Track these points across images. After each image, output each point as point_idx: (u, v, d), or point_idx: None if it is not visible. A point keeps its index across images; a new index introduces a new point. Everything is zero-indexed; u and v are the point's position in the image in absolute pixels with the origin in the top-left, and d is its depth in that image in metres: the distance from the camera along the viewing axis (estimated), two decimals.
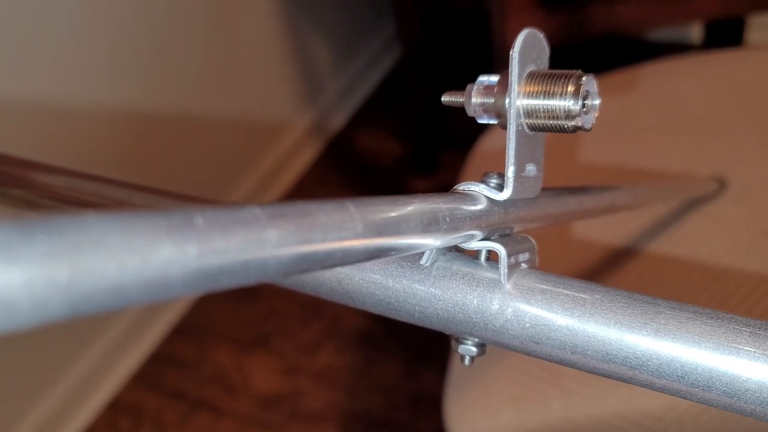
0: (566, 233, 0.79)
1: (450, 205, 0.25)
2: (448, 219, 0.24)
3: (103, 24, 1.26)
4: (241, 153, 1.68)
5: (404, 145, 1.85)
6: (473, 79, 0.29)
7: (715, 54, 1.06)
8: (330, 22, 1.87)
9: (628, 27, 1.02)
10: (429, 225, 0.23)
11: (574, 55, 0.89)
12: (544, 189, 0.33)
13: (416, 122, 1.72)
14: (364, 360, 1.45)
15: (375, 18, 1.95)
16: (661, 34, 1.60)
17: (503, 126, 0.28)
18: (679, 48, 1.60)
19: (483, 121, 0.29)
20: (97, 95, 1.28)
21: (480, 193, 0.27)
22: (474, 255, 0.29)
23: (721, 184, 0.79)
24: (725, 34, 1.18)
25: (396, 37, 1.89)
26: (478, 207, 0.26)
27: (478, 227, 0.26)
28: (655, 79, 1.01)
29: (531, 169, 0.28)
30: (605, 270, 0.76)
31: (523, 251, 0.29)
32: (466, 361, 0.29)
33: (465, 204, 0.26)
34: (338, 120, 1.94)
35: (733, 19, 1.14)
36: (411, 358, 1.42)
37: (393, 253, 0.22)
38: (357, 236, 0.20)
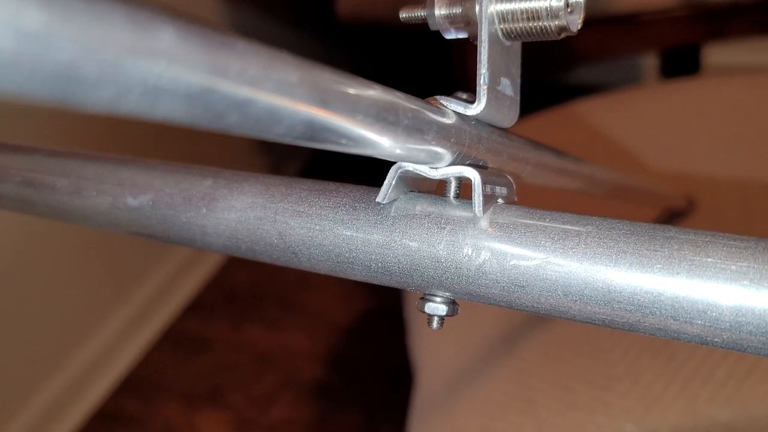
0: None
1: (414, 106, 0.20)
2: (410, 115, 0.19)
3: None
4: None
5: None
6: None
7: (672, 83, 1.04)
8: None
9: (586, 54, 1.00)
10: (386, 112, 0.18)
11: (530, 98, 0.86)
12: (521, 137, 0.28)
13: None
14: (321, 412, 1.37)
15: None
16: (616, 75, 1.61)
17: (474, 37, 0.23)
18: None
19: (450, 36, 0.24)
20: None
21: (447, 108, 0.23)
22: (441, 194, 0.24)
23: (691, 202, 0.76)
24: (682, 63, 1.17)
25: None
26: (446, 120, 0.22)
27: (447, 143, 0.21)
28: (615, 108, 0.99)
29: (506, 83, 0.24)
30: None
31: (499, 185, 0.24)
32: (434, 323, 0.24)
33: (431, 112, 0.21)
34: None
35: (690, 48, 1.14)
36: (371, 408, 1.35)
37: (339, 142, 0.17)
38: (289, 91, 0.15)
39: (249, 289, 1.61)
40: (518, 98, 0.24)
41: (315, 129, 0.16)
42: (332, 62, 0.17)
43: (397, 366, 1.33)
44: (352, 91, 0.17)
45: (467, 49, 0.96)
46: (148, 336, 1.52)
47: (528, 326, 0.72)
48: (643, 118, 0.96)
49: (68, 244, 1.31)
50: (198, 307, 1.59)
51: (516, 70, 0.24)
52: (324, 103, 0.16)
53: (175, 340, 1.52)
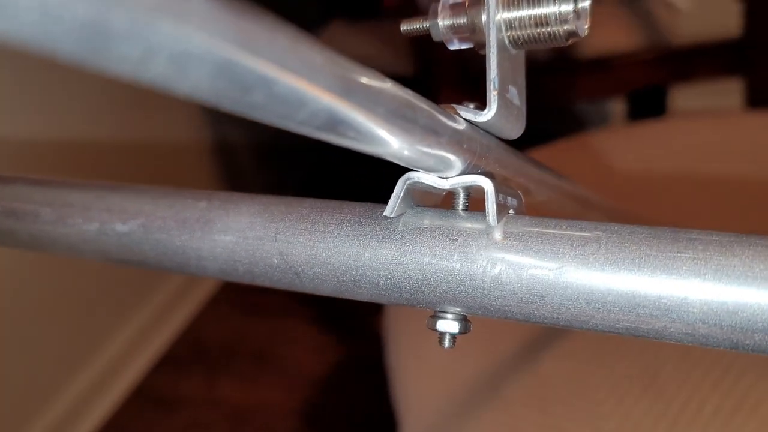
0: None
1: (428, 107, 0.19)
2: (426, 115, 0.18)
3: None
4: None
5: None
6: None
7: (640, 124, 1.06)
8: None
9: (557, 100, 1.02)
10: (404, 109, 0.17)
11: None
12: (523, 153, 0.28)
13: None
14: None
15: None
16: (583, 120, 1.63)
17: (479, 46, 0.23)
18: None
19: (454, 47, 0.24)
20: None
21: (458, 115, 0.22)
22: (448, 207, 0.23)
23: None
24: (648, 107, 1.19)
25: None
26: (458, 126, 0.21)
27: (459, 149, 0.21)
28: (584, 149, 1.00)
29: (513, 92, 0.23)
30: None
31: (510, 195, 0.23)
32: (446, 342, 0.23)
33: (444, 116, 0.20)
34: None
35: (656, 92, 1.17)
36: None
37: (354, 137, 0.16)
38: (314, 74, 0.14)
39: (221, 343, 1.57)
40: (524, 109, 0.24)
41: (336, 118, 0.15)
42: None
43: (371, 418, 1.31)
44: (372, 82, 0.16)
45: (452, 98, 0.97)
46: (116, 394, 1.47)
47: (513, 367, 0.71)
48: (612, 158, 0.97)
49: (32, 298, 1.28)
50: (169, 362, 1.54)
51: (521, 80, 0.24)
52: (346, 91, 0.15)
53: (145, 397, 1.48)
